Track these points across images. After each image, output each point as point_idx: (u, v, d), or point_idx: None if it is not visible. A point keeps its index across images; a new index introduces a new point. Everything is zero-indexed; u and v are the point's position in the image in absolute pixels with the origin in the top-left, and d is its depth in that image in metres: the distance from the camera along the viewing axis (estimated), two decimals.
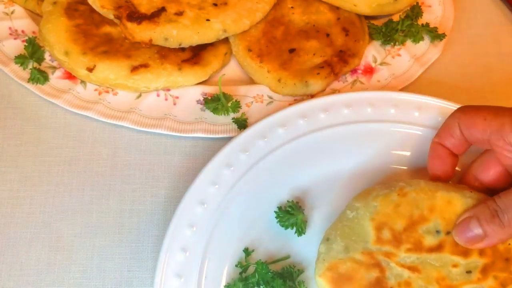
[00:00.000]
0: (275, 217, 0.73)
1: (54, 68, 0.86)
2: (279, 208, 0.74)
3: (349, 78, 0.89)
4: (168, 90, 0.86)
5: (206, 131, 0.82)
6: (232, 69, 0.91)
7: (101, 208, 0.78)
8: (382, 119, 0.80)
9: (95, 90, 0.85)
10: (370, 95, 0.81)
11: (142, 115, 0.83)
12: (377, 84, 0.88)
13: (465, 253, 0.64)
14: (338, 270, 0.64)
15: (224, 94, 0.83)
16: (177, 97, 0.85)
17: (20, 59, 0.85)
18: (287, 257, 0.73)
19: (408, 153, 0.79)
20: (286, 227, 0.73)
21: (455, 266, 0.64)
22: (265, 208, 0.75)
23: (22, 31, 0.90)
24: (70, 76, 0.85)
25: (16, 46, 0.87)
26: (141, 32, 0.82)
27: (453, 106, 0.78)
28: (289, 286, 0.69)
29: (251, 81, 0.89)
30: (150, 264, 0.75)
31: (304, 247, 0.73)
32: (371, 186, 0.73)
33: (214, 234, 0.72)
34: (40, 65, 0.86)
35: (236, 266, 0.71)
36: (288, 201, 0.74)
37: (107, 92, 0.85)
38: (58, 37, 0.84)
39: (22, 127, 0.84)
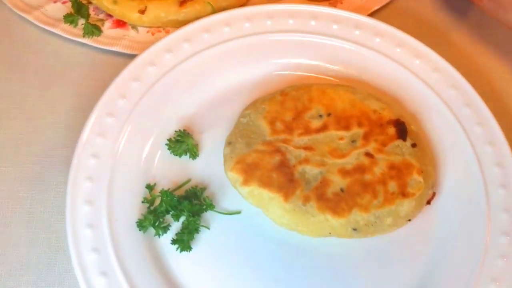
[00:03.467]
0: (167, 148, 0.77)
1: (102, 20, 0.89)
2: (169, 139, 0.77)
3: None
4: None
5: None
6: None
7: None
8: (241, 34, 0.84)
9: (148, 32, 0.88)
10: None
11: None
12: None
13: (346, 127, 0.76)
14: (245, 162, 0.72)
15: None
16: None
17: (70, 18, 0.88)
18: (188, 181, 0.77)
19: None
20: (180, 155, 0.77)
21: (341, 139, 0.75)
22: (157, 143, 0.78)
23: None
24: (119, 24, 0.88)
25: (57, 9, 0.90)
26: None
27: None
28: (196, 204, 0.73)
29: None
30: None
31: (202, 168, 0.78)
32: (255, 99, 0.80)
33: (113, 184, 0.74)
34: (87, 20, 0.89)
35: (143, 202, 0.74)
36: (175, 131, 0.78)
37: (160, 31, 0.88)
38: None
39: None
